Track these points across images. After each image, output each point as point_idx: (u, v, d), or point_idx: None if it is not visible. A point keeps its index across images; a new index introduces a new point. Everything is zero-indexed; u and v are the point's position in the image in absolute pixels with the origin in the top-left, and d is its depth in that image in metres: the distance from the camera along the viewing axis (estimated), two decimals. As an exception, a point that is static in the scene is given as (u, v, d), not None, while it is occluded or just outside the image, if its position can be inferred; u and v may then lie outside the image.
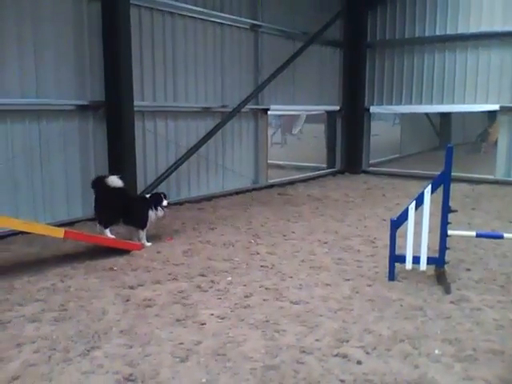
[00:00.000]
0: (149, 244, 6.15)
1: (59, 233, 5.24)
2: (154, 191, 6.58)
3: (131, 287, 4.72)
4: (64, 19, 6.87)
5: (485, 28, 10.93)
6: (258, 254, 5.84)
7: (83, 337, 3.67)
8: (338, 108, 12.84)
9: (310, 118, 22.69)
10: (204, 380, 3.09)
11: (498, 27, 10.73)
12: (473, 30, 11.10)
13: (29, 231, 5.37)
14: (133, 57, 7.24)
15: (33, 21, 6.50)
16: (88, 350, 3.46)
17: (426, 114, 17.37)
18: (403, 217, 4.89)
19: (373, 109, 12.81)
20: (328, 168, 13.28)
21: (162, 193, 6.42)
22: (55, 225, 6.14)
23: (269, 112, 10.65)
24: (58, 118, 6.94)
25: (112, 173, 6.12)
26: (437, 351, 3.45)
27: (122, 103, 7.17)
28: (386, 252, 5.12)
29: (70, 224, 6.88)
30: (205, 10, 8.84)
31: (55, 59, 6.81)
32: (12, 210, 6.28)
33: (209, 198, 9.15)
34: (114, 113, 7.22)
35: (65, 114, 7.02)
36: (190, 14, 8.64)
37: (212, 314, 4.09)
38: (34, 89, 6.62)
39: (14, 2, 6.29)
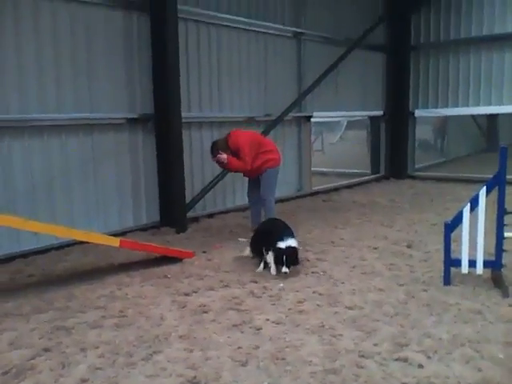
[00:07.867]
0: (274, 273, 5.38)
1: (115, 242, 5.42)
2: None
3: (186, 294, 4.81)
4: (114, 33, 7.07)
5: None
6: (307, 260, 5.83)
7: (144, 342, 3.77)
8: (381, 113, 12.72)
9: (351, 125, 22.48)
10: (266, 383, 3.13)
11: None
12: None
13: (87, 240, 5.58)
14: (180, 69, 7.41)
15: (86, 37, 6.72)
16: (150, 355, 3.55)
17: (472, 116, 16.95)
18: (457, 220, 4.81)
19: (418, 112, 12.59)
20: (372, 174, 13.16)
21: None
22: (108, 234, 6.32)
23: (312, 119, 10.66)
24: (109, 131, 7.15)
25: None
26: (501, 355, 3.36)
27: (171, 116, 7.31)
28: (439, 257, 5.04)
29: (122, 234, 7.05)
30: (248, 20, 8.95)
31: (106, 74, 7.01)
32: (67, 220, 6.46)
33: (254, 206, 9.19)
34: (163, 125, 7.40)
35: (115, 127, 7.23)
36: (234, 25, 8.77)
37: (267, 320, 4.13)
38: (87, 103, 6.84)
39: (69, 15, 6.51)
